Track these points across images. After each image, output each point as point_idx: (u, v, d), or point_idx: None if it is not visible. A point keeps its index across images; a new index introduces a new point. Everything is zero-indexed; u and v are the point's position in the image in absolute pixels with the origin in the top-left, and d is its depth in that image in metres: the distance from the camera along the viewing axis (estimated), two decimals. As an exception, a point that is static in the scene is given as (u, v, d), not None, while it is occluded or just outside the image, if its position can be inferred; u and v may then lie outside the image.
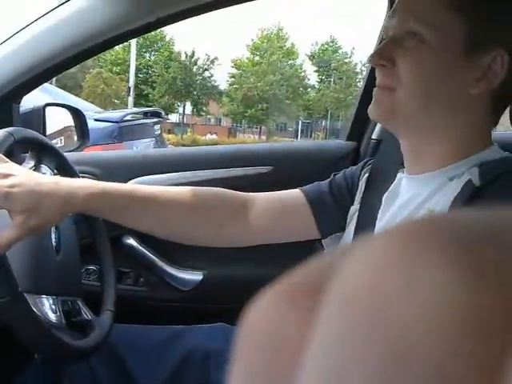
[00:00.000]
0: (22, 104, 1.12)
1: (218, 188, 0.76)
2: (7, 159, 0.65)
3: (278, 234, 0.79)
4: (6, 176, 0.59)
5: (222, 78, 31.28)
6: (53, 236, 0.79)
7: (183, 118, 32.36)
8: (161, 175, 1.21)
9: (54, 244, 0.79)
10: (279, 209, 0.77)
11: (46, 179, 0.64)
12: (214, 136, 27.78)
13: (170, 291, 1.20)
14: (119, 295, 0.90)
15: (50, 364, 0.86)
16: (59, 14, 1.02)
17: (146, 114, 3.87)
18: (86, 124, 1.31)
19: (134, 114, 3.79)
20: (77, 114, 1.30)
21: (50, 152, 0.84)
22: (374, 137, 1.22)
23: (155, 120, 3.84)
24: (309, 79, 33.60)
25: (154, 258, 1.20)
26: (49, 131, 1.20)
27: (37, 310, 0.67)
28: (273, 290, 0.12)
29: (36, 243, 0.75)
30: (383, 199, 0.69)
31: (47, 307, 0.72)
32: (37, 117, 1.15)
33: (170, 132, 26.08)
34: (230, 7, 1.11)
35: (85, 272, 1.12)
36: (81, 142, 1.28)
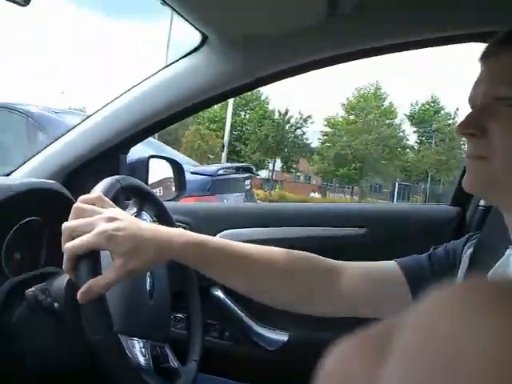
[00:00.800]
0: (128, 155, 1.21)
1: (311, 254, 0.74)
2: (114, 204, 0.69)
3: (368, 307, 0.74)
4: (112, 220, 0.63)
5: (313, 136, 31.66)
6: (148, 280, 0.82)
7: (272, 174, 33.00)
8: (250, 229, 1.23)
9: (148, 288, 0.82)
10: (372, 281, 0.72)
11: (147, 226, 0.67)
12: (317, 194, 27.69)
13: (254, 348, 1.19)
14: (205, 346, 0.90)
15: None
16: (165, 74, 1.11)
17: (238, 169, 4.00)
18: (184, 176, 1.38)
19: (228, 168, 3.92)
20: (177, 166, 1.38)
21: (151, 200, 0.89)
22: (481, 203, 1.14)
23: (246, 175, 3.96)
24: (408, 140, 32.71)
25: (240, 313, 1.20)
26: (150, 181, 1.27)
27: (128, 352, 0.68)
28: (347, 341, 0.14)
29: (132, 286, 0.78)
30: (489, 277, 0.63)
31: (137, 350, 0.73)
32: (141, 167, 1.24)
33: (259, 188, 26.64)
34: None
35: (173, 319, 1.14)
36: (178, 193, 1.35)
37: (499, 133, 0.57)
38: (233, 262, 0.69)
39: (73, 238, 0.61)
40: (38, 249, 1.04)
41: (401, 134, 32.08)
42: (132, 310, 0.76)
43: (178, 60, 1.08)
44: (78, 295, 0.61)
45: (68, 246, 0.61)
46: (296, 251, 0.73)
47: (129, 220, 0.65)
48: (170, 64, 1.09)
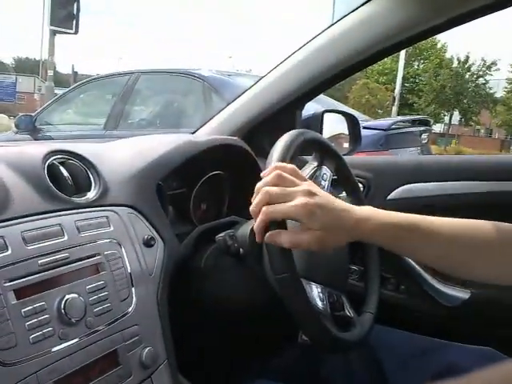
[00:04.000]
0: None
1: (502, 223, 0.67)
2: (306, 178, 0.69)
3: None
4: (312, 194, 0.63)
5: (498, 85, 28.30)
6: None
7: (449, 127, 30.59)
8: (432, 183, 1.16)
9: None
10: None
11: (342, 205, 0.66)
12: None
13: (432, 304, 1.15)
14: (379, 299, 0.89)
15: (310, 350, 0.91)
16: (337, 29, 1.08)
17: (414, 122, 3.81)
18: (359, 130, 1.34)
19: (403, 122, 3.75)
20: (352, 120, 1.35)
21: (331, 154, 0.89)
22: None
23: (422, 129, 3.73)
24: None
25: (417, 267, 1.16)
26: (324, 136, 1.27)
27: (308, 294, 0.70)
28: None
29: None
30: None
31: (315, 294, 0.75)
32: (315, 122, 1.24)
33: (433, 143, 25.01)
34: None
35: (349, 271, 1.15)
36: (352, 147, 1.33)
37: None
38: (425, 243, 0.66)
39: (268, 204, 0.63)
40: (222, 200, 1.13)
41: None
42: (312, 256, 0.77)
43: (349, 14, 1.04)
44: (269, 236, 0.63)
45: (268, 209, 0.63)
46: (489, 222, 0.67)
47: (326, 197, 0.65)
48: (339, 19, 1.06)
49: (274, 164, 0.68)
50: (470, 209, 1.09)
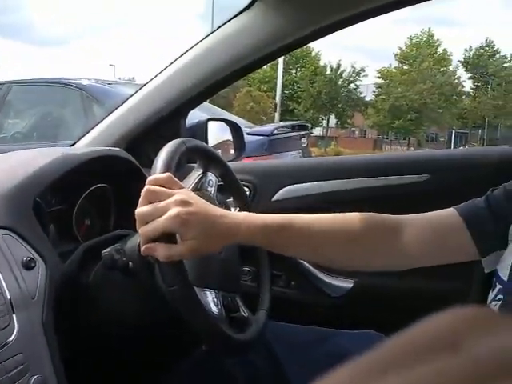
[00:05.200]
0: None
1: (372, 214, 0.74)
2: (182, 185, 0.70)
3: (433, 257, 0.75)
4: (183, 203, 0.64)
5: (367, 90, 30.72)
6: None
7: (327, 131, 32.44)
8: (312, 183, 1.23)
9: None
10: (433, 231, 0.73)
11: (216, 210, 0.68)
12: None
13: (320, 296, 1.22)
14: (272, 296, 0.93)
15: (214, 354, 0.91)
16: (216, 37, 1.10)
17: (293, 128, 4.00)
18: (242, 137, 1.38)
19: (283, 127, 3.94)
20: (235, 127, 1.38)
21: (216, 161, 0.90)
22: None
23: (302, 133, 3.95)
24: (463, 86, 31.44)
25: (305, 263, 1.23)
26: (209, 143, 1.28)
27: (202, 302, 0.71)
28: (453, 312, 0.15)
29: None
30: None
31: (210, 300, 0.76)
32: (200, 130, 1.25)
33: (313, 145, 26.37)
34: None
35: (242, 273, 1.17)
36: (237, 154, 1.36)
37: None
38: (298, 239, 0.71)
39: (147, 223, 0.63)
40: (107, 214, 1.09)
41: (456, 81, 30.77)
42: (203, 263, 0.78)
43: (227, 21, 1.06)
44: (145, 249, 0.64)
45: (142, 230, 0.63)
46: (358, 214, 0.74)
47: (199, 203, 0.66)
48: (219, 26, 1.08)
49: (155, 175, 0.68)
50: (345, 203, 1.18)
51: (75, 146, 1.21)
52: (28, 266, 0.71)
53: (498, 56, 31.01)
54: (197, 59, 1.12)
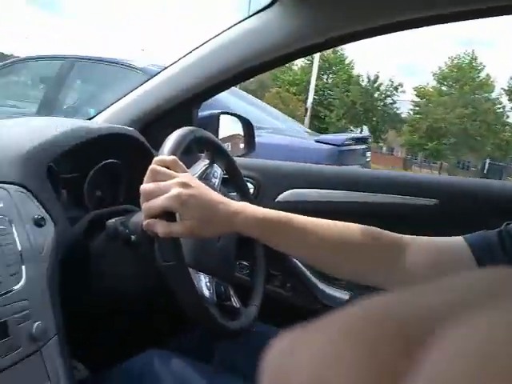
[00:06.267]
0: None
1: (375, 228, 0.73)
2: (186, 169, 0.73)
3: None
4: (186, 185, 0.68)
5: (402, 106, 30.10)
6: None
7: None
8: (315, 190, 1.24)
9: None
10: (439, 256, 0.70)
11: (217, 197, 0.70)
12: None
13: (314, 303, 1.23)
14: (265, 293, 0.94)
15: (205, 334, 0.94)
16: (237, 31, 1.11)
17: (357, 140, 3.77)
18: (253, 135, 1.40)
19: (351, 139, 3.65)
20: (247, 124, 1.41)
21: (222, 154, 0.93)
22: None
23: (365, 147, 3.78)
24: (508, 116, 29.86)
25: (303, 267, 1.24)
26: (220, 136, 1.31)
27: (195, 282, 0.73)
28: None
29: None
30: None
31: (203, 283, 0.79)
32: (212, 122, 1.28)
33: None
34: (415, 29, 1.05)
35: (238, 266, 1.20)
36: (246, 150, 1.39)
37: None
38: (294, 236, 0.71)
39: (150, 200, 0.67)
40: (117, 189, 1.13)
41: (500, 109, 29.45)
42: (201, 247, 0.81)
43: (248, 17, 1.07)
44: (146, 224, 0.68)
45: (146, 206, 0.67)
46: (361, 225, 0.73)
47: (200, 188, 0.69)
48: (241, 21, 1.08)
49: (161, 156, 0.72)
50: (348, 215, 1.19)
51: (92, 120, 1.25)
52: (38, 223, 0.76)
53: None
54: (214, 51, 1.13)
